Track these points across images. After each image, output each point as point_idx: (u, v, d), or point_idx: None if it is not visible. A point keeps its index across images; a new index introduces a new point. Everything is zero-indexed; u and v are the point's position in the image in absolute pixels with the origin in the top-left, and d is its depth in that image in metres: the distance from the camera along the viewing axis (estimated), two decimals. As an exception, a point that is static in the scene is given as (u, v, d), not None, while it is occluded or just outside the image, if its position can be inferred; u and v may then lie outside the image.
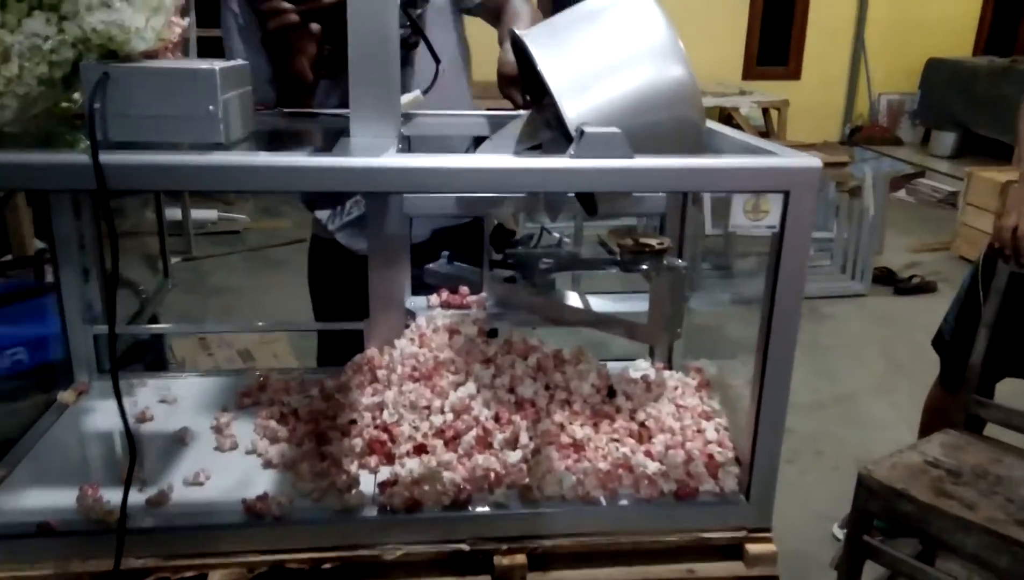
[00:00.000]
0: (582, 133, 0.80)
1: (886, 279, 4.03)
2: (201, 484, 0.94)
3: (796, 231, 0.81)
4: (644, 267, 1.06)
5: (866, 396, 2.96)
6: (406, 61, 1.29)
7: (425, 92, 1.18)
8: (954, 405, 1.75)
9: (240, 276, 4.22)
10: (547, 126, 1.03)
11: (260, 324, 1.44)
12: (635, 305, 1.21)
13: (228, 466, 0.98)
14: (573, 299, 1.19)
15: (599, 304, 1.17)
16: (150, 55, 0.91)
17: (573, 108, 0.88)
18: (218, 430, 1.05)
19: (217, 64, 0.86)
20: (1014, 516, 1.44)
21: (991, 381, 1.75)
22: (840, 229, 4.05)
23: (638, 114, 0.88)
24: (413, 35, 1.30)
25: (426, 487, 0.89)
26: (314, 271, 1.61)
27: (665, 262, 1.07)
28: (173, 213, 4.44)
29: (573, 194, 1.06)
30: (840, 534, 2.09)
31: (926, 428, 1.86)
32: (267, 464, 0.98)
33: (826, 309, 3.78)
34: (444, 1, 1.41)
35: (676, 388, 1.09)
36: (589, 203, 0.98)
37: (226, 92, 0.88)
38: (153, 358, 2.19)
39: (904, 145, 7.08)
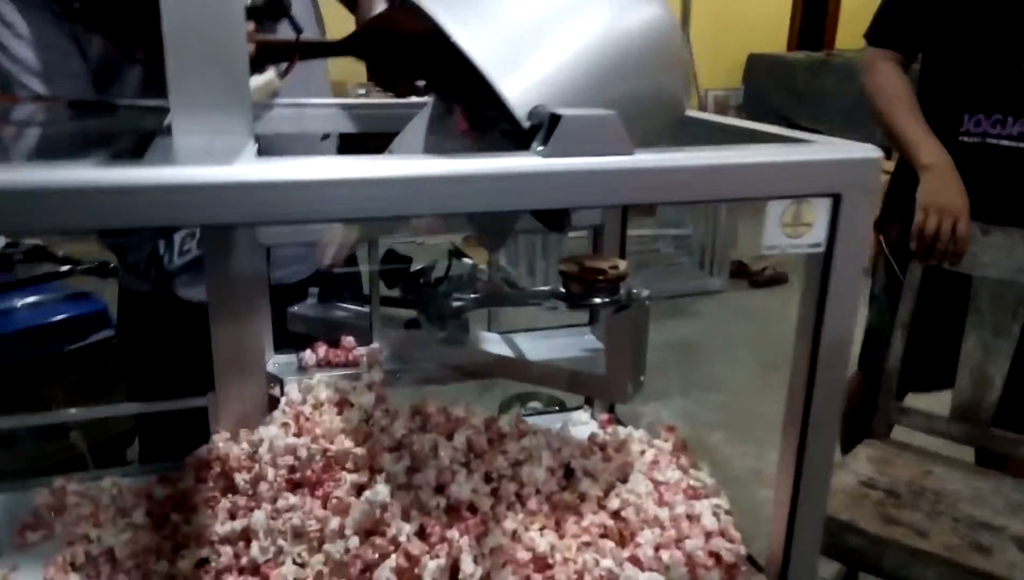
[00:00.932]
0: (556, 118, 0.52)
1: (740, 273, 4.05)
2: None
3: (849, 248, 0.58)
4: (597, 301, 0.80)
5: (747, 398, 2.88)
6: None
7: (283, 74, 0.85)
8: (875, 415, 1.63)
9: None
10: (468, 120, 0.74)
11: (65, 412, 1.04)
12: (571, 344, 0.96)
13: (-2, 670, 0.62)
14: (496, 345, 0.91)
15: (532, 348, 0.90)
16: None
17: (513, 87, 0.59)
18: (-17, 598, 0.68)
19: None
20: (967, 540, 1.32)
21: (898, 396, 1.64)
22: (695, 225, 4.03)
23: (603, 86, 0.61)
24: None
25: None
26: (130, 342, 1.21)
27: (622, 293, 0.81)
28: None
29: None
30: None
31: (848, 441, 1.73)
32: (67, 655, 0.63)
33: (690, 308, 3.73)
34: None
35: (643, 453, 0.83)
36: (556, 217, 0.70)
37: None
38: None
39: (733, 139, 7.36)
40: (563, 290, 0.81)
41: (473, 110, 0.77)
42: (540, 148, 0.52)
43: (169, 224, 0.50)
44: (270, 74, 0.84)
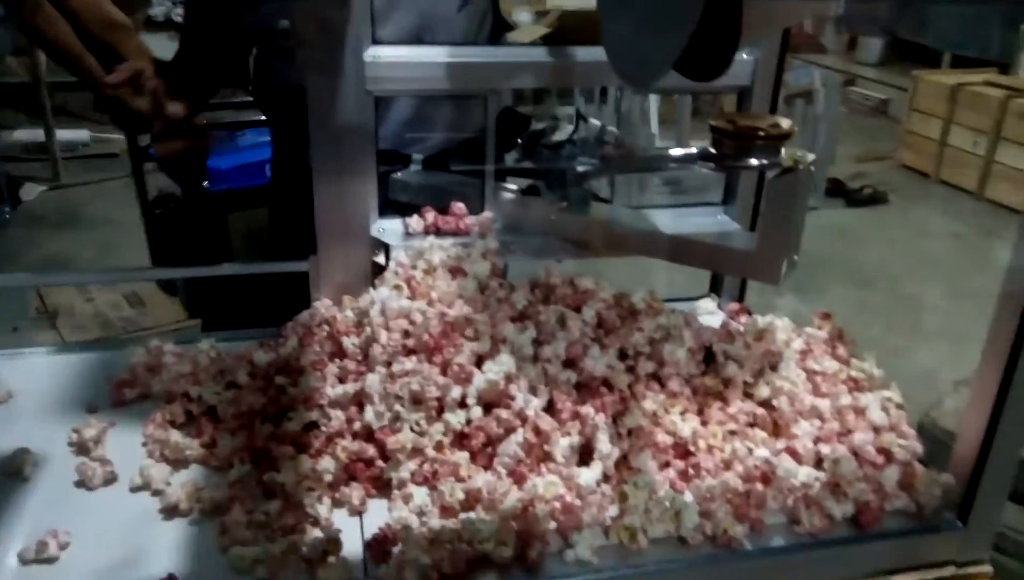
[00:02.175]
0: None
1: (836, 191, 3.82)
2: (53, 560, 0.53)
3: None
4: (755, 162, 0.70)
5: (858, 317, 2.70)
6: None
7: None
8: None
9: (120, 206, 3.61)
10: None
11: (149, 270, 1.00)
12: (705, 222, 0.86)
13: (102, 518, 0.57)
14: (623, 218, 0.82)
15: (663, 224, 0.80)
16: None
17: None
18: (81, 449, 0.64)
19: None
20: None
21: None
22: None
23: None
24: None
25: (450, 546, 0.52)
26: (278, 196, 1.18)
27: (784, 155, 0.70)
28: (34, 134, 3.74)
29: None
30: None
31: None
32: (170, 511, 0.58)
33: (780, 223, 3.54)
34: None
35: (789, 343, 0.73)
36: (710, 62, 0.56)
37: None
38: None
39: (829, 53, 6.89)
40: (713, 150, 0.71)
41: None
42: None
43: None
44: None
